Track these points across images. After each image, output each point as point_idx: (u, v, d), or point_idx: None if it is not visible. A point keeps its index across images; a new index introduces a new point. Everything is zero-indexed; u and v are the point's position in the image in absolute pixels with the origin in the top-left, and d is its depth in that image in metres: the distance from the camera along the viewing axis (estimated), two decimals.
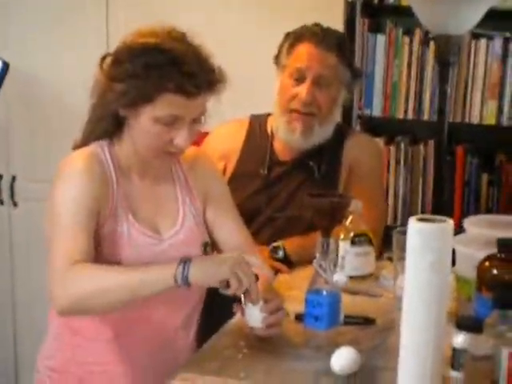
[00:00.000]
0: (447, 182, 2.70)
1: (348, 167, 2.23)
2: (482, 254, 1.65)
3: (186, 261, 1.43)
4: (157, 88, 1.49)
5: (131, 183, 1.65)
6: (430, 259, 1.30)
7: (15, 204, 3.24)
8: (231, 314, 1.72)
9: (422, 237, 1.31)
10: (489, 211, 2.83)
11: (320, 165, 2.21)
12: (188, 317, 1.72)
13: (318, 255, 1.59)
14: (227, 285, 1.44)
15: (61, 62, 3.09)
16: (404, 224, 2.79)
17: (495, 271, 1.56)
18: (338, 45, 2.15)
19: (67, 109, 3.07)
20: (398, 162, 2.90)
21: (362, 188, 2.13)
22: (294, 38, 2.18)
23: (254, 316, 1.53)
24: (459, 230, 2.75)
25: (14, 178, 3.22)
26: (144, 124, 1.55)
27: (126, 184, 1.64)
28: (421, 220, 1.36)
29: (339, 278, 1.75)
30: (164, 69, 1.49)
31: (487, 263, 1.58)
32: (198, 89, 1.51)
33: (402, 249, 1.75)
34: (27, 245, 3.26)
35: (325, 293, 1.57)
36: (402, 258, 1.74)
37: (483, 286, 1.56)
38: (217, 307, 1.76)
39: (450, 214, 2.79)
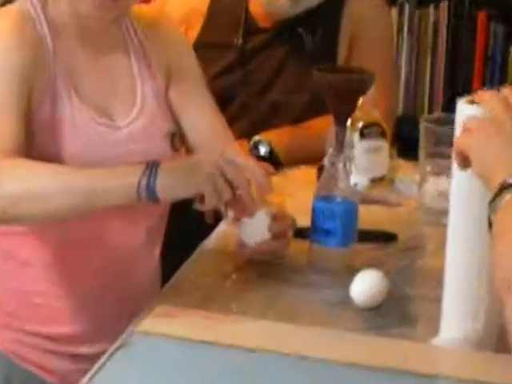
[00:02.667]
0: (464, 55, 2.72)
1: (350, 35, 2.22)
2: None
3: (152, 167, 1.38)
4: None
5: (72, 52, 1.61)
6: None
7: None
8: (211, 227, 1.74)
9: None
10: None
11: (313, 33, 2.19)
12: (150, 231, 1.70)
13: (330, 150, 1.57)
14: (203, 199, 1.39)
15: None
16: (407, 114, 2.83)
17: None
18: None
19: None
20: (400, 30, 2.89)
21: (370, 60, 2.08)
22: None
23: (253, 231, 1.51)
24: None
25: None
26: None
27: (66, 53, 1.60)
28: (470, 103, 1.31)
29: (359, 180, 1.74)
30: None
31: None
32: None
33: (434, 143, 1.76)
34: None
35: (339, 200, 1.57)
36: (433, 156, 1.76)
37: None
38: (189, 217, 1.75)
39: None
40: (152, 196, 1.38)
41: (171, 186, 1.40)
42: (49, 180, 1.43)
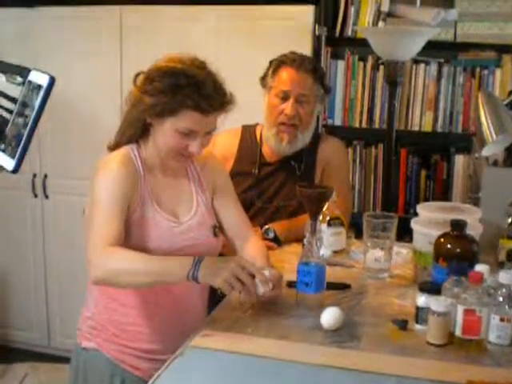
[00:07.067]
0: (393, 177, 2.69)
1: (322, 165, 2.18)
2: (434, 232, 1.64)
3: (197, 262, 1.40)
4: (180, 104, 1.48)
5: (155, 179, 1.62)
6: None
7: (47, 197, 3.18)
8: None
9: None
10: (426, 200, 2.84)
11: (300, 164, 2.16)
12: (202, 288, 1.68)
13: (307, 234, 1.56)
14: None
15: (80, 79, 3.03)
16: (360, 211, 2.83)
17: (449, 246, 1.55)
18: (313, 68, 2.09)
19: (85, 120, 3.02)
20: (354, 162, 2.90)
21: (333, 181, 2.07)
22: (277, 64, 2.11)
23: (258, 287, 1.49)
24: (408, 214, 2.79)
25: (45, 176, 3.16)
26: (167, 132, 1.53)
27: (152, 179, 1.60)
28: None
29: (325, 252, 1.73)
30: (187, 90, 1.47)
31: (442, 239, 1.58)
32: (212, 108, 1.50)
33: (372, 229, 1.76)
34: (56, 229, 3.22)
35: (313, 264, 1.55)
36: (372, 237, 1.75)
37: (440, 257, 1.56)
38: None
39: (395, 202, 2.83)
40: (195, 280, 1.39)
41: (206, 277, 1.39)
42: (137, 263, 1.43)
